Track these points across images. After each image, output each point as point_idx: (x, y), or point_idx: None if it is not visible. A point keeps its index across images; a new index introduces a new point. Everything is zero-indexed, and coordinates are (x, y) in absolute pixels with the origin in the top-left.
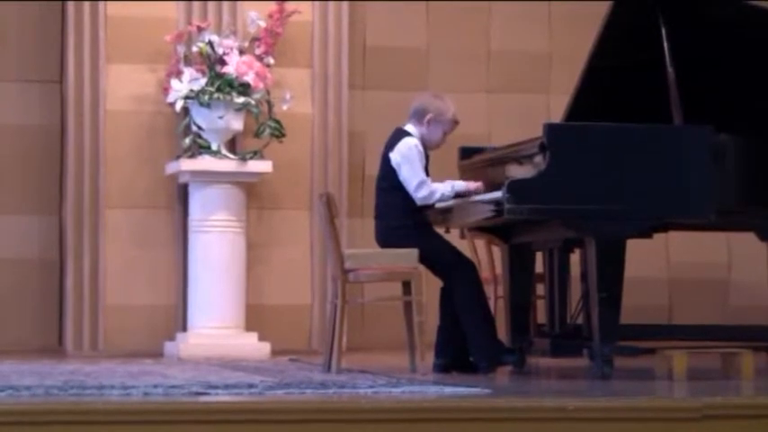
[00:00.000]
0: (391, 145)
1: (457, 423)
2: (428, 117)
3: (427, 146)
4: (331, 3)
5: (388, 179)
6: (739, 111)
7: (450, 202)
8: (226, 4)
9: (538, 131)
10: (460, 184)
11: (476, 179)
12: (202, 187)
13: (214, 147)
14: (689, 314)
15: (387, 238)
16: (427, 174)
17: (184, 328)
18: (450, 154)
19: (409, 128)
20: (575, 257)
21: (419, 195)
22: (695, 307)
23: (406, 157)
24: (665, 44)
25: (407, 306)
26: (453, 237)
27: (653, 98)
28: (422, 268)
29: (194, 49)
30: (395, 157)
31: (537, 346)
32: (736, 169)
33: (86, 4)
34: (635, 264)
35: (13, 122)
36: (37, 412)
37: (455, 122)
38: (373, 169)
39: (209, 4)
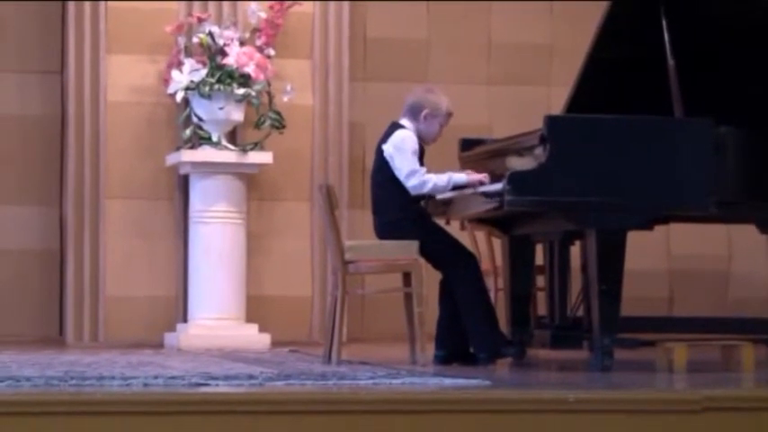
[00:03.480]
0: (385, 138)
1: (457, 414)
2: (424, 113)
3: (424, 141)
4: None
5: (383, 172)
6: (739, 103)
7: (451, 194)
8: None
9: (538, 123)
10: (460, 177)
11: (477, 171)
12: (203, 178)
13: (214, 138)
14: (689, 306)
15: (386, 231)
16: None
17: (185, 319)
18: (450, 146)
19: (404, 123)
20: (575, 249)
21: (410, 184)
22: (695, 299)
23: (399, 148)
24: (666, 37)
25: (408, 297)
26: (453, 228)
27: (653, 91)
28: (422, 260)
29: (195, 40)
30: (387, 148)
31: (537, 338)
32: (736, 162)
33: None
34: (635, 256)
35: (13, 113)
36: (37, 403)
37: (450, 115)
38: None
39: None
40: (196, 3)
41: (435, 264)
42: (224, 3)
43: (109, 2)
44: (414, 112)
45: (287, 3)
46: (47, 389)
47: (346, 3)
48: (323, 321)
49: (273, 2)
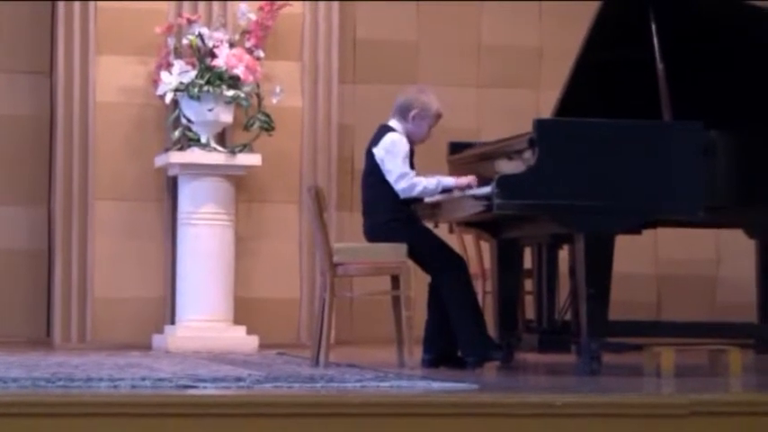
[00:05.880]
0: (375, 141)
1: (444, 418)
2: (413, 113)
3: (413, 141)
4: None
5: (374, 174)
6: (729, 107)
7: (439, 197)
8: None
9: (527, 127)
10: (449, 181)
11: (465, 174)
12: (191, 180)
13: (203, 139)
14: (677, 311)
15: (375, 233)
16: (412, 168)
17: (173, 321)
18: (439, 149)
19: (393, 123)
20: (563, 253)
21: (399, 187)
22: (683, 304)
23: (390, 151)
24: (655, 40)
25: (396, 300)
26: (442, 231)
27: (643, 94)
28: (410, 263)
29: (184, 41)
30: (378, 151)
31: (525, 341)
32: (725, 166)
33: None
34: (623, 260)
35: (2, 113)
36: (24, 404)
37: (439, 116)
38: (362, 163)
39: None
40: (186, 4)
41: (424, 267)
42: (214, 4)
43: (98, 3)
44: (403, 112)
45: (276, 4)
46: (34, 390)
47: (336, 5)
48: (311, 324)
49: (263, 3)
